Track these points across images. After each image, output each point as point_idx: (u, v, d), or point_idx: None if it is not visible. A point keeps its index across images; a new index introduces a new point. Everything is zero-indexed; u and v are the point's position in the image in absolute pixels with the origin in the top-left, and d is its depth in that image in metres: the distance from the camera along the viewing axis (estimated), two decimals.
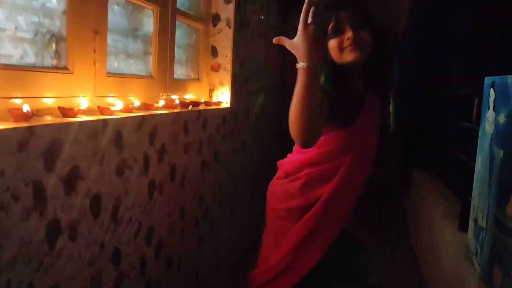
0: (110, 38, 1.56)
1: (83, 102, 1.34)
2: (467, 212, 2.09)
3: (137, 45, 1.77)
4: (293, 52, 1.17)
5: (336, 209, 1.42)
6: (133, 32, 1.73)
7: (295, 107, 1.17)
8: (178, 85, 2.12)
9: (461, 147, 2.62)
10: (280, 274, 1.47)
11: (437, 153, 3.37)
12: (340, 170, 1.41)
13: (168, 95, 1.99)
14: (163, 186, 1.72)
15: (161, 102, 1.78)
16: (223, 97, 2.48)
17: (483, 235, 1.67)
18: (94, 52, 1.44)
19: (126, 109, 1.51)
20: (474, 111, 2.16)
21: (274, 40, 1.22)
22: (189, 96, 2.24)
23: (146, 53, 1.84)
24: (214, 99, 2.43)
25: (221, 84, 2.48)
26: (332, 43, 1.37)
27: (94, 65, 1.45)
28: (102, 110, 1.39)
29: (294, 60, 1.17)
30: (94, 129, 1.24)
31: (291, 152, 1.58)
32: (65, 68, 1.34)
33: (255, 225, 3.36)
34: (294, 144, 1.48)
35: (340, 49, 1.36)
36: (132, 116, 1.46)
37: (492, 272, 1.51)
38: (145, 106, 1.70)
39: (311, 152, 1.43)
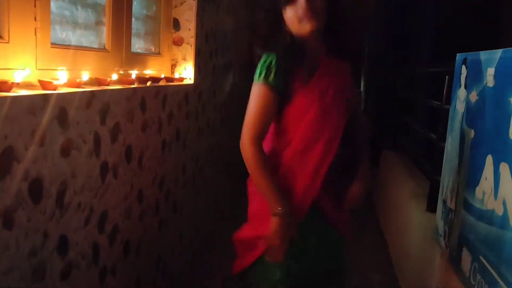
0: (54, 5, 1.41)
1: (20, 75, 1.19)
2: (435, 193, 2.05)
3: (88, 14, 1.62)
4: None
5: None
6: None
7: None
8: (136, 59, 1.98)
9: (430, 126, 2.58)
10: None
11: (406, 133, 3.34)
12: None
13: (125, 70, 1.85)
14: (118, 168, 1.60)
15: (115, 77, 1.64)
16: (186, 73, 2.34)
17: (451, 217, 1.62)
18: (35, 19, 1.29)
19: (73, 84, 1.37)
20: (445, 89, 2.10)
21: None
22: (149, 72, 2.10)
23: (98, 23, 1.69)
24: (177, 75, 2.29)
25: (184, 59, 2.34)
26: (288, 13, 1.33)
27: (35, 34, 1.30)
28: (43, 84, 1.25)
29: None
30: (32, 105, 1.11)
31: None
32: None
33: (222, 205, 3.28)
34: None
35: (297, 19, 1.32)
36: (80, 92, 1.33)
37: (460, 256, 1.47)
38: (96, 81, 1.56)
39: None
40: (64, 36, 1.50)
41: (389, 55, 4.75)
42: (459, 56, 1.74)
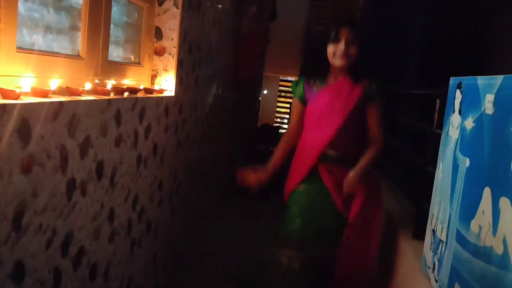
0: (22, 6, 1.28)
1: None
2: (422, 220, 1.97)
3: (61, 17, 1.50)
4: None
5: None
6: (56, 1, 1.46)
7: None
8: (114, 68, 1.85)
9: (417, 150, 2.51)
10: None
11: (391, 155, 3.27)
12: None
13: (100, 79, 1.73)
14: (87, 185, 1.47)
15: (88, 86, 1.52)
16: (167, 84, 2.23)
17: (442, 249, 1.53)
18: None
19: (39, 93, 1.25)
20: (436, 113, 2.03)
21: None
22: (128, 82, 1.98)
23: (73, 28, 1.57)
24: (157, 87, 2.17)
25: (165, 70, 2.23)
26: (330, 48, 2.00)
27: None
28: (4, 92, 1.12)
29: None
30: None
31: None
32: None
33: (200, 224, 3.15)
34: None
35: (334, 54, 1.99)
36: (46, 102, 1.20)
37: None
38: (67, 91, 1.44)
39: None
40: (33, 40, 1.38)
41: (375, 72, 4.71)
42: (453, 80, 1.66)
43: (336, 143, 2.04)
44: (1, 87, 1.14)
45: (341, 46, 1.96)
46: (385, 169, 3.43)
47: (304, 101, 2.13)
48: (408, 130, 3.06)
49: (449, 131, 1.63)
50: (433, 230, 1.67)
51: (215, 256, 2.73)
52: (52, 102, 1.22)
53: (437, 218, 1.64)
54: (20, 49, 1.27)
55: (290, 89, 2.20)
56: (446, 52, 3.33)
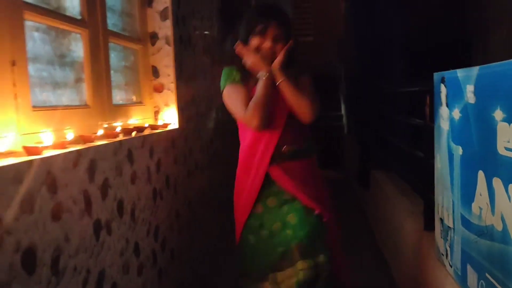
0: (32, 68, 1.40)
1: (2, 144, 1.18)
2: (431, 211, 2.05)
3: (66, 72, 1.62)
4: (253, 66, 1.75)
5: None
6: (60, 59, 1.58)
7: (258, 101, 1.71)
8: (119, 111, 1.97)
9: (416, 144, 2.60)
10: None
11: (393, 152, 3.36)
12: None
13: (109, 123, 1.84)
14: (111, 224, 1.57)
15: (100, 132, 1.63)
16: (170, 118, 2.34)
17: (451, 235, 1.62)
18: (14, 85, 1.28)
19: (58, 145, 1.36)
20: (427, 107, 2.13)
21: (239, 48, 1.76)
22: (134, 121, 2.10)
23: (78, 80, 1.69)
24: (160, 122, 2.29)
25: (166, 105, 2.35)
26: (253, 41, 1.75)
27: (15, 99, 1.29)
28: (28, 150, 1.23)
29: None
30: (17, 174, 1.09)
31: None
32: None
33: (219, 245, 3.23)
34: None
35: (257, 50, 1.75)
36: (65, 153, 1.31)
37: (466, 274, 1.46)
38: (82, 139, 1.55)
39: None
40: (44, 97, 1.49)
41: (364, 74, 4.84)
42: (436, 76, 1.77)
43: (286, 137, 1.79)
44: (24, 145, 1.25)
45: (268, 43, 1.74)
46: (388, 166, 3.52)
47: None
48: (404, 127, 3.16)
49: (440, 123, 1.73)
50: (441, 219, 1.75)
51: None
52: (70, 152, 1.33)
53: (442, 207, 1.72)
54: (35, 107, 1.38)
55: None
56: (431, 45, 3.44)
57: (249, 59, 1.74)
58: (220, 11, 3.65)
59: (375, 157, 4.00)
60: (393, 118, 3.45)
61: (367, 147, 4.35)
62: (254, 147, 1.81)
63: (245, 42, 1.77)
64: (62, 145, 1.37)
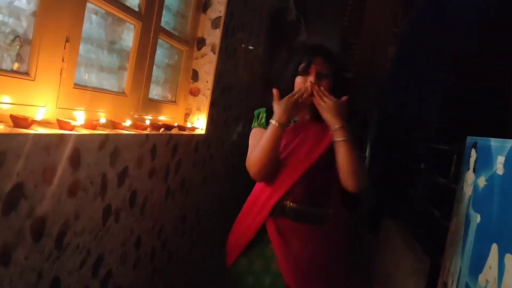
0: (83, 47, 1.45)
1: (40, 113, 1.22)
2: (436, 273, 2.02)
3: (113, 58, 1.67)
4: (274, 109, 1.57)
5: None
6: (110, 44, 1.63)
7: (260, 151, 1.56)
8: (152, 105, 2.01)
9: (433, 202, 2.57)
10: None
11: (408, 205, 3.32)
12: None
13: (140, 114, 1.88)
14: (120, 212, 1.59)
15: (128, 122, 1.67)
16: (199, 123, 2.38)
17: None
18: (63, 60, 1.33)
19: (89, 125, 1.39)
20: (452, 168, 2.11)
21: (274, 91, 1.59)
22: (163, 118, 2.14)
23: (121, 68, 1.74)
24: (189, 124, 2.33)
25: (198, 109, 2.38)
26: (298, 80, 1.61)
27: (61, 74, 1.34)
28: (61, 124, 1.27)
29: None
30: (48, 144, 1.12)
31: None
32: (26, 74, 1.23)
33: (218, 258, 3.21)
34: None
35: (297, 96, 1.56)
36: (95, 134, 1.35)
37: None
38: (111, 124, 1.59)
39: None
40: (87, 77, 1.54)
41: (396, 122, 4.81)
42: (469, 139, 1.76)
43: (298, 191, 1.59)
44: (59, 118, 1.29)
45: (311, 78, 1.57)
46: (401, 216, 3.47)
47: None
48: (425, 181, 3.13)
49: (464, 187, 1.71)
50: (445, 283, 1.72)
51: None
52: (100, 135, 1.37)
53: (448, 270, 1.69)
54: (76, 85, 1.43)
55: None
56: (467, 108, 3.42)
57: (274, 103, 1.57)
58: (268, 30, 3.71)
59: (389, 205, 3.96)
60: (415, 171, 3.42)
61: (384, 193, 4.31)
62: (261, 191, 1.66)
63: (291, 82, 1.62)
64: (93, 126, 1.41)
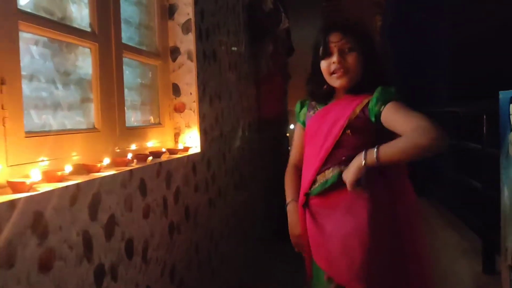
0: (27, 87, 1.21)
1: None
2: (491, 252, 1.76)
3: (71, 92, 1.42)
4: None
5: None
6: (64, 76, 1.38)
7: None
8: (134, 134, 1.76)
9: (468, 172, 2.30)
10: None
11: (439, 179, 3.04)
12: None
13: (121, 148, 1.63)
14: (117, 268, 1.34)
15: (106, 161, 1.42)
16: (191, 141, 2.12)
17: None
18: (2, 108, 1.08)
19: (51, 178, 1.14)
20: (485, 130, 1.84)
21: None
22: (151, 144, 1.88)
23: (85, 100, 1.49)
24: (181, 145, 2.07)
25: (188, 126, 2.13)
26: (323, 65, 1.43)
27: (3, 125, 1.09)
28: (14, 186, 1.02)
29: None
30: None
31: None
32: None
33: (244, 280, 2.97)
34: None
35: (329, 73, 1.42)
36: (59, 188, 1.09)
37: None
38: (85, 169, 1.33)
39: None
40: (43, 121, 1.29)
41: (406, 95, 4.53)
42: (503, 94, 1.49)
43: (331, 163, 1.40)
44: (10, 180, 1.04)
45: (334, 58, 1.39)
46: (430, 193, 3.19)
47: (304, 125, 1.59)
48: (451, 151, 2.85)
49: (510, 151, 1.44)
50: (510, 267, 1.45)
51: None
52: (67, 187, 1.12)
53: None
54: (29, 133, 1.18)
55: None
56: (477, 65, 3.13)
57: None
58: (247, 26, 3.45)
59: (415, 182, 3.68)
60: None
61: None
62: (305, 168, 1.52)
63: (317, 69, 1.46)
64: (57, 178, 1.15)
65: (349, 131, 1.37)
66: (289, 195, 1.57)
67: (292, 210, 1.54)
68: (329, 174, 1.40)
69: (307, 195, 1.46)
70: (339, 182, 1.35)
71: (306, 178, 1.47)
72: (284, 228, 1.59)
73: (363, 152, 1.27)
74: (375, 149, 1.25)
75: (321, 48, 1.42)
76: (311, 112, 1.55)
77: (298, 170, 1.57)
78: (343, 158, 1.37)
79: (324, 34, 1.42)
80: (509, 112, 1.45)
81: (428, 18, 3.82)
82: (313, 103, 1.56)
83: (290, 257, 1.75)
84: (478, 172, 1.98)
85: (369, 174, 1.29)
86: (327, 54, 1.41)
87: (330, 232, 1.38)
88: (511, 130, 1.43)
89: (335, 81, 1.42)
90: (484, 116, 1.85)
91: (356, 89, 1.42)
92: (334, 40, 1.39)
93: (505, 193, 1.50)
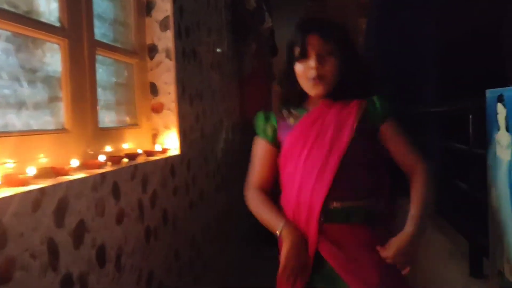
0: None
1: None
2: (478, 255, 1.72)
3: (38, 90, 1.33)
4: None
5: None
6: (29, 73, 1.29)
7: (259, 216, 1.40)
8: (108, 135, 1.68)
9: (452, 173, 2.26)
10: None
11: None
12: None
13: (93, 150, 1.55)
14: (87, 277, 1.26)
15: (75, 163, 1.33)
16: (170, 143, 2.04)
17: None
18: None
19: (14, 182, 1.06)
20: (471, 130, 1.80)
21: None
22: (127, 146, 1.80)
23: (53, 99, 1.40)
24: (159, 147, 1.99)
25: (166, 127, 2.05)
26: (298, 68, 1.33)
27: None
28: None
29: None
30: None
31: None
32: None
33: (229, 281, 2.90)
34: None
35: (305, 77, 1.33)
36: (21, 193, 1.01)
37: None
38: (53, 171, 1.25)
39: None
40: (6, 121, 1.20)
41: (394, 97, 4.50)
42: (490, 93, 1.44)
43: (339, 189, 1.29)
44: None
45: (312, 63, 1.30)
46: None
47: (276, 142, 1.42)
48: (436, 152, 2.81)
49: (497, 151, 1.39)
50: (500, 271, 1.40)
51: None
52: (29, 192, 1.03)
53: (501, 257, 1.38)
54: None
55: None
56: (462, 62, 3.11)
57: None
58: (230, 23, 3.38)
59: (401, 182, 3.65)
60: (423, 141, 3.10)
61: (394, 170, 4.00)
62: (295, 198, 1.33)
63: (290, 72, 1.36)
64: (20, 182, 1.07)
65: (357, 137, 1.32)
66: (276, 219, 1.33)
67: (293, 234, 1.29)
68: (348, 206, 1.31)
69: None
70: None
71: (312, 199, 1.29)
72: (269, 231, 1.49)
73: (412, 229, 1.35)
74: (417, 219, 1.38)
75: (297, 49, 1.32)
76: (290, 122, 1.39)
77: (267, 193, 1.42)
78: (356, 181, 1.32)
79: (302, 33, 1.32)
80: (495, 111, 1.40)
81: (414, 17, 3.78)
82: (284, 112, 1.41)
83: (276, 259, 1.68)
84: (465, 173, 1.93)
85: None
86: (304, 56, 1.31)
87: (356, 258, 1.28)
88: (498, 129, 1.39)
89: (311, 89, 1.33)
90: (470, 116, 1.80)
91: (333, 95, 1.35)
92: (313, 42, 1.30)
93: (493, 194, 1.46)
